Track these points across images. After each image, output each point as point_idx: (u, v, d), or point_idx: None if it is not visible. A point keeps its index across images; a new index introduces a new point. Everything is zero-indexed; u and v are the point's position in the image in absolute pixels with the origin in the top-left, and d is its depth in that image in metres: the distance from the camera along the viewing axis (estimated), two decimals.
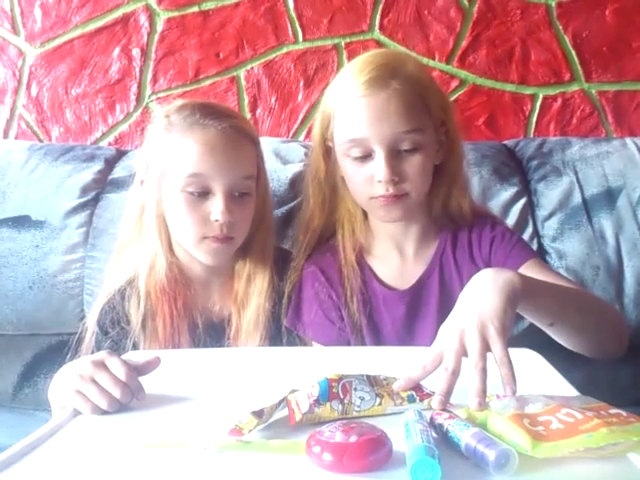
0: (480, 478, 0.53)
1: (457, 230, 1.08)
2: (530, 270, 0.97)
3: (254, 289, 1.06)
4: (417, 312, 1.05)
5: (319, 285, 1.06)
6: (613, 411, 0.59)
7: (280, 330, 1.05)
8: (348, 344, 1.04)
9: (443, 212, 1.08)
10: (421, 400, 0.67)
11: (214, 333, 1.04)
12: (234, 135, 1.02)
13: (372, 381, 0.67)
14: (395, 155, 0.97)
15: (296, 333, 1.06)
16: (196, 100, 1.13)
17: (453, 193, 1.07)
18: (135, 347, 1.01)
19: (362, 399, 0.65)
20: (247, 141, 1.04)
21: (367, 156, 0.98)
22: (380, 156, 0.97)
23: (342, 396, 0.64)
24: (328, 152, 1.06)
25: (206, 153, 0.99)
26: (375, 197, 0.99)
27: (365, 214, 1.09)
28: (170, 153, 1.01)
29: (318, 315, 1.05)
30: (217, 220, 0.99)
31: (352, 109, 0.98)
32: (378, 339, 1.04)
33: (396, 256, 1.08)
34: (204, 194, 1.00)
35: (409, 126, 0.97)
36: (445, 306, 1.04)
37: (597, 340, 0.92)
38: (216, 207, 0.99)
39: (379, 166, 0.97)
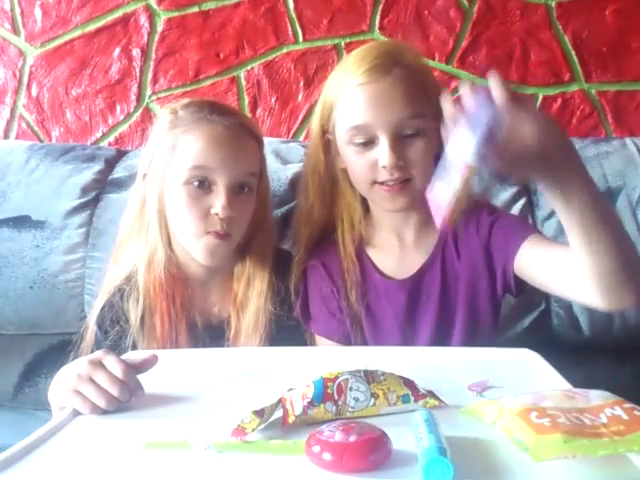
0: (492, 475, 0.53)
1: None
2: (534, 244, 0.97)
3: (253, 291, 1.05)
4: (418, 301, 1.05)
5: (320, 279, 1.07)
6: (628, 405, 0.60)
7: (284, 330, 1.05)
8: (348, 337, 1.04)
9: None
10: (416, 400, 0.67)
11: (213, 335, 1.04)
12: (240, 131, 1.03)
13: (369, 378, 0.67)
14: (399, 140, 0.98)
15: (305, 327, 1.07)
16: (204, 98, 1.12)
17: None
18: (134, 346, 1.01)
19: (357, 400, 0.65)
20: (252, 139, 1.05)
21: (370, 142, 0.99)
22: (384, 142, 0.97)
23: (337, 397, 0.64)
24: (327, 145, 1.06)
25: (211, 146, 1.00)
26: (379, 183, 1.00)
27: (365, 206, 1.09)
28: (175, 146, 1.01)
29: (321, 309, 1.07)
30: (217, 214, 0.99)
31: (355, 97, 0.99)
32: (379, 331, 1.05)
33: (396, 245, 1.08)
34: (207, 188, 1.00)
35: (412, 111, 0.98)
36: (447, 295, 1.05)
37: (622, 273, 0.80)
38: (218, 201, 0.99)
39: (383, 151, 0.97)
